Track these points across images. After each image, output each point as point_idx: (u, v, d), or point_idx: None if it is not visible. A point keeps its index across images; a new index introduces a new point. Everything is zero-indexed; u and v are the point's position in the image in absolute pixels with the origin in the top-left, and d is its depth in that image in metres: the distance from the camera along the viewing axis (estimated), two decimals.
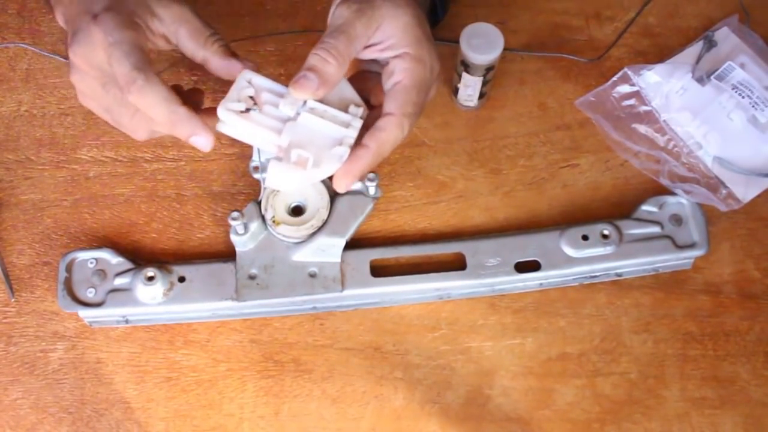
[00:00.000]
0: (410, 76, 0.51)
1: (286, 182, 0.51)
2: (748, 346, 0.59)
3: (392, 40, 0.52)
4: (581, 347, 0.59)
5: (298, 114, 0.50)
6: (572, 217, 0.63)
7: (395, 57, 0.52)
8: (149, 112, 0.49)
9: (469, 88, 0.65)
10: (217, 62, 0.52)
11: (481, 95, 0.66)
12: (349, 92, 0.52)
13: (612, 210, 0.64)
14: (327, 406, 0.57)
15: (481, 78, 0.63)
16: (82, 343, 0.59)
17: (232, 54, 0.52)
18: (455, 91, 0.66)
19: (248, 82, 0.51)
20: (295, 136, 0.50)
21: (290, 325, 0.60)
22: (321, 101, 0.51)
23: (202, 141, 0.50)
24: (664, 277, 0.61)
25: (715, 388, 0.58)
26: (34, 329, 0.59)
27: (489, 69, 0.63)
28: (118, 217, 0.63)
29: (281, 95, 0.51)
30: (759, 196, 0.63)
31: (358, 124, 0.51)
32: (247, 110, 0.50)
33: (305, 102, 0.51)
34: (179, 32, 0.52)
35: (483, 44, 0.61)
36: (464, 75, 0.63)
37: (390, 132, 0.51)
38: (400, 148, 0.66)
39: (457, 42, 0.62)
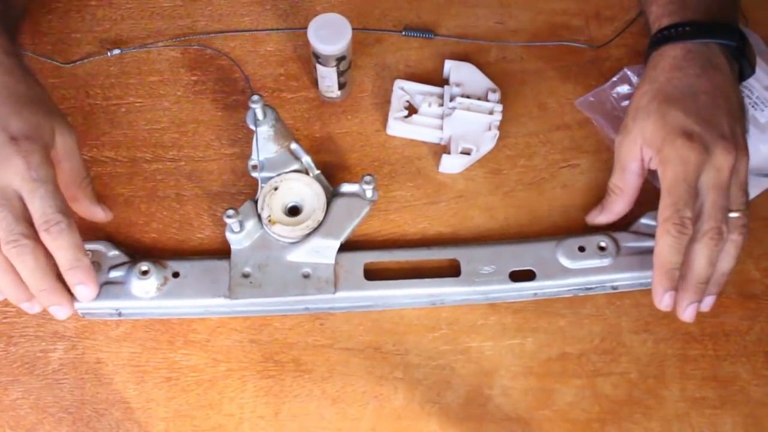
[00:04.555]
0: (663, 180, 0.54)
1: (455, 168, 0.64)
2: (748, 346, 0.59)
3: (646, 152, 0.57)
4: (581, 347, 0.59)
5: (451, 110, 0.64)
6: (572, 218, 0.63)
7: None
8: (56, 253, 0.51)
9: (326, 79, 0.64)
10: (85, 204, 0.57)
11: (342, 86, 0.65)
12: (486, 82, 0.66)
13: None
14: (327, 406, 0.57)
15: (335, 68, 0.63)
16: (82, 343, 0.59)
17: (97, 201, 0.58)
18: (316, 82, 0.66)
19: (401, 89, 0.66)
20: (453, 129, 0.63)
21: (290, 325, 0.60)
22: (467, 96, 0.64)
23: (85, 292, 0.54)
24: None
25: (715, 388, 0.58)
26: (34, 329, 0.59)
27: (340, 59, 0.62)
28: (117, 217, 0.63)
29: (431, 94, 0.65)
30: (759, 196, 0.63)
31: (500, 108, 0.64)
32: (409, 114, 0.65)
33: (452, 98, 0.64)
34: (63, 165, 0.54)
35: (329, 35, 0.60)
36: (318, 66, 0.63)
37: (658, 242, 0.53)
38: (400, 149, 0.66)
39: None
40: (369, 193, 0.60)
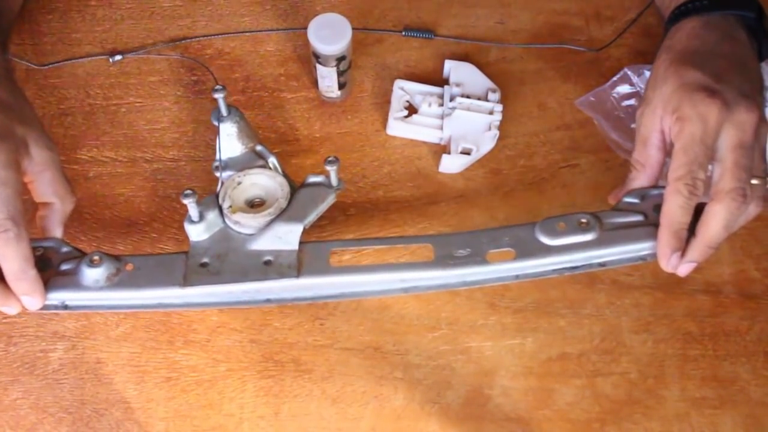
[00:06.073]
0: (679, 138, 0.51)
1: (455, 168, 0.65)
2: (748, 346, 0.59)
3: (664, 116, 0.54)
4: (581, 347, 0.59)
5: (451, 110, 0.64)
6: None
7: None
8: (2, 261, 0.49)
9: (326, 79, 0.65)
10: (55, 219, 0.54)
11: (342, 86, 0.66)
12: (486, 82, 0.66)
13: None
14: (327, 406, 0.57)
15: (335, 68, 0.63)
16: (82, 343, 0.59)
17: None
18: (316, 82, 0.66)
19: (401, 89, 0.66)
20: (453, 129, 0.64)
21: (290, 325, 0.60)
22: (467, 96, 0.65)
23: (31, 302, 0.51)
24: (664, 276, 0.61)
25: (715, 388, 0.58)
26: (34, 329, 0.59)
27: (340, 59, 0.62)
28: (117, 217, 0.63)
29: (431, 94, 0.66)
30: None
31: (500, 108, 0.65)
32: (409, 114, 0.65)
33: (452, 98, 0.65)
34: (44, 174, 0.53)
35: (330, 35, 0.61)
36: (318, 66, 0.63)
37: (667, 201, 0.51)
38: (400, 149, 0.66)
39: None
40: (334, 180, 0.57)
